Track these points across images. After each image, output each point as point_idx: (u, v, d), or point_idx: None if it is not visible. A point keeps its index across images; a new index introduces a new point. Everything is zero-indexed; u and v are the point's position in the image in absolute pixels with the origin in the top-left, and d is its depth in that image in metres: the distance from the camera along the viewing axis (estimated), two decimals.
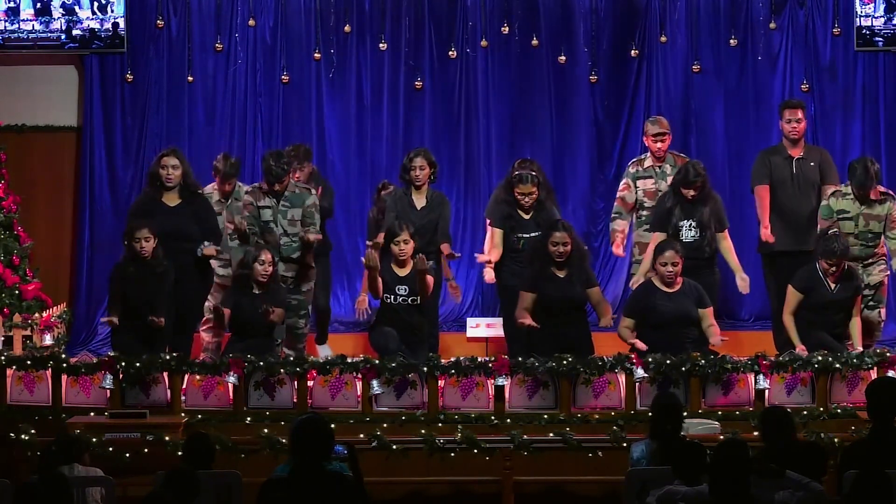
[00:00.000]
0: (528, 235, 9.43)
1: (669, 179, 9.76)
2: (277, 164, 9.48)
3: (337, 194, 10.64)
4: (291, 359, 8.71)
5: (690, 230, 9.40)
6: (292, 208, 9.57)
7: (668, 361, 8.40)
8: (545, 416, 8.35)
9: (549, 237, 8.96)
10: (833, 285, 8.99)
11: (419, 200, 9.76)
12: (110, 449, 7.90)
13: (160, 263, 9.03)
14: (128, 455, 7.89)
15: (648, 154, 10.10)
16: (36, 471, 6.79)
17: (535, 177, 9.48)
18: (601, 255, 11.53)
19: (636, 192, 10.02)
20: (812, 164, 9.89)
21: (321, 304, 10.29)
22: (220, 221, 9.81)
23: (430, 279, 9.08)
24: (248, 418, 8.38)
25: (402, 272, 9.15)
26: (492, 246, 9.58)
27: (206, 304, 9.76)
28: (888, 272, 9.60)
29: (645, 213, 9.94)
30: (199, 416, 8.37)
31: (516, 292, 9.15)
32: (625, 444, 7.71)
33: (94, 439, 7.87)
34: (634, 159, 10.35)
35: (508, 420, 8.33)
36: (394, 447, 8.02)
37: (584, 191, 11.72)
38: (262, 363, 8.47)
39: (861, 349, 8.84)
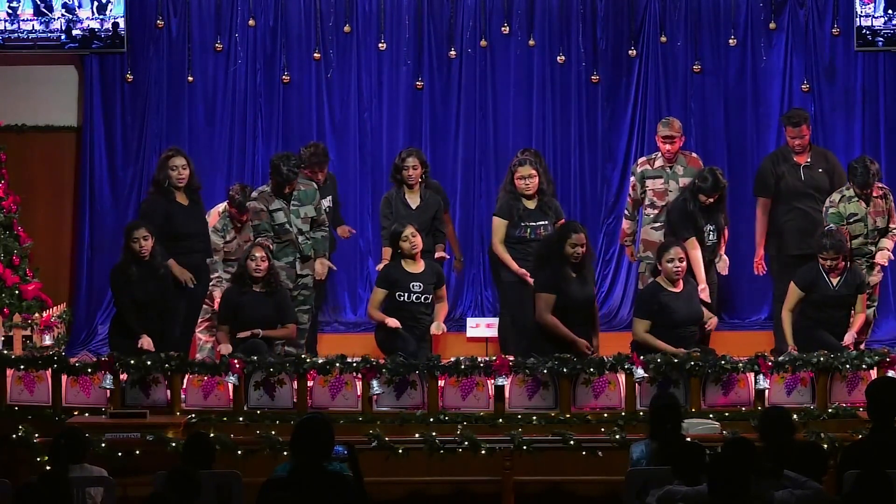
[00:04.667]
0: (534, 224, 9.40)
1: (681, 180, 9.86)
2: (288, 168, 9.42)
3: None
4: (292, 357, 8.70)
5: (710, 234, 9.54)
6: (303, 206, 9.55)
7: (668, 362, 8.41)
8: (545, 416, 8.35)
9: (566, 238, 8.80)
10: (834, 282, 9.01)
11: (413, 200, 9.75)
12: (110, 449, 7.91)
13: (161, 264, 9.02)
14: (125, 454, 7.90)
15: (659, 154, 10.10)
16: (37, 471, 6.78)
17: (534, 161, 9.55)
18: (603, 254, 11.52)
19: (644, 191, 10.02)
20: (820, 170, 9.96)
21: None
22: (236, 241, 9.84)
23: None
24: (248, 418, 8.37)
25: (416, 269, 9.15)
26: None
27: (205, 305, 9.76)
28: (881, 273, 9.67)
29: (654, 211, 9.94)
30: (199, 417, 8.37)
31: (517, 287, 9.15)
32: (625, 445, 7.71)
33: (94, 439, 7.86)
34: (644, 158, 10.34)
35: (508, 420, 8.32)
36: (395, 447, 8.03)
37: (583, 191, 11.69)
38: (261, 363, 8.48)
39: (850, 341, 8.92)
